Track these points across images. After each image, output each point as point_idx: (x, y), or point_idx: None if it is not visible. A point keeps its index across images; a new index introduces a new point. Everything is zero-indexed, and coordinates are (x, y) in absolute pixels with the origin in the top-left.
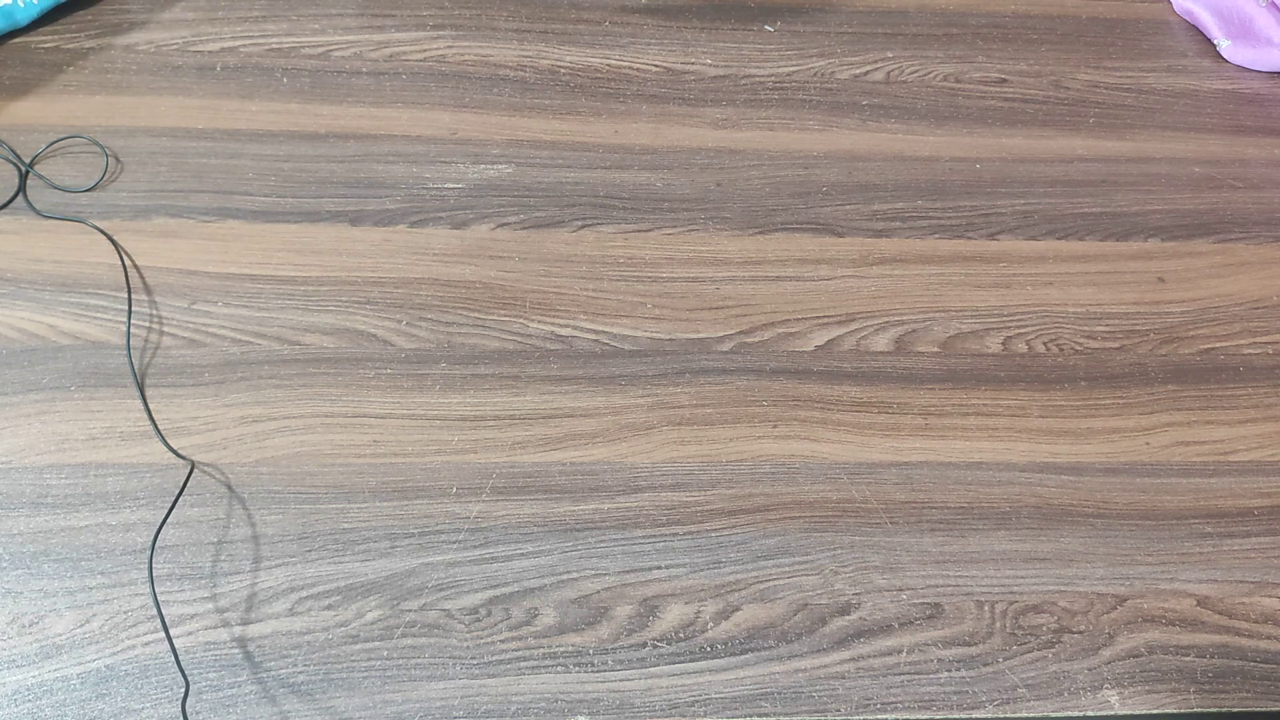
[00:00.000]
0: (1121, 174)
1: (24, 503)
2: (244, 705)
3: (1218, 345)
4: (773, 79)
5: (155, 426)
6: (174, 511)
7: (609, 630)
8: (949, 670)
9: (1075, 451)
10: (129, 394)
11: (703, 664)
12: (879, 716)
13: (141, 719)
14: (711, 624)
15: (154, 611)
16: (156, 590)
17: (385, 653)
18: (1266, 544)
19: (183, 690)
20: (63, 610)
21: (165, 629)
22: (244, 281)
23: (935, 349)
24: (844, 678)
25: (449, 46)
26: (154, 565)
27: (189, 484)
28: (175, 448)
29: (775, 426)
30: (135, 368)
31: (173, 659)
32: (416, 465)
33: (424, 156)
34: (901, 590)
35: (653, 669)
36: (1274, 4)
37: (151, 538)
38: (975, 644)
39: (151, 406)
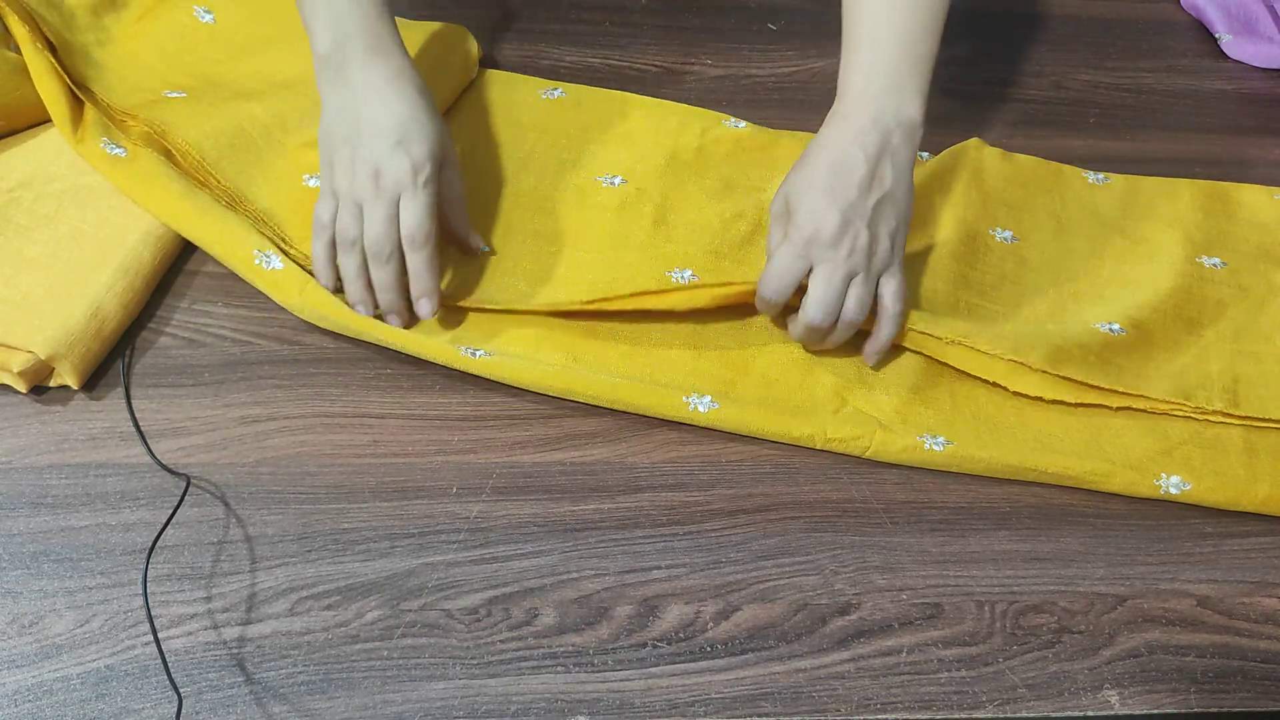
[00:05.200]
0: (1122, 174)
1: (24, 503)
2: (243, 705)
3: None
4: (773, 79)
5: (143, 439)
6: (173, 512)
7: (609, 630)
8: (949, 670)
9: None
10: None
11: (703, 664)
12: (879, 716)
13: (141, 719)
14: (711, 624)
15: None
16: (156, 590)
17: (385, 653)
18: (1266, 544)
19: (178, 702)
20: (62, 610)
21: (157, 642)
22: (244, 281)
23: None
24: (844, 678)
25: None
26: (154, 565)
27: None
28: (175, 448)
29: None
30: (127, 375)
31: (171, 667)
32: (416, 465)
33: None
34: (901, 590)
35: (653, 669)
36: (1274, 6)
37: (151, 541)
38: (975, 644)
39: (151, 407)
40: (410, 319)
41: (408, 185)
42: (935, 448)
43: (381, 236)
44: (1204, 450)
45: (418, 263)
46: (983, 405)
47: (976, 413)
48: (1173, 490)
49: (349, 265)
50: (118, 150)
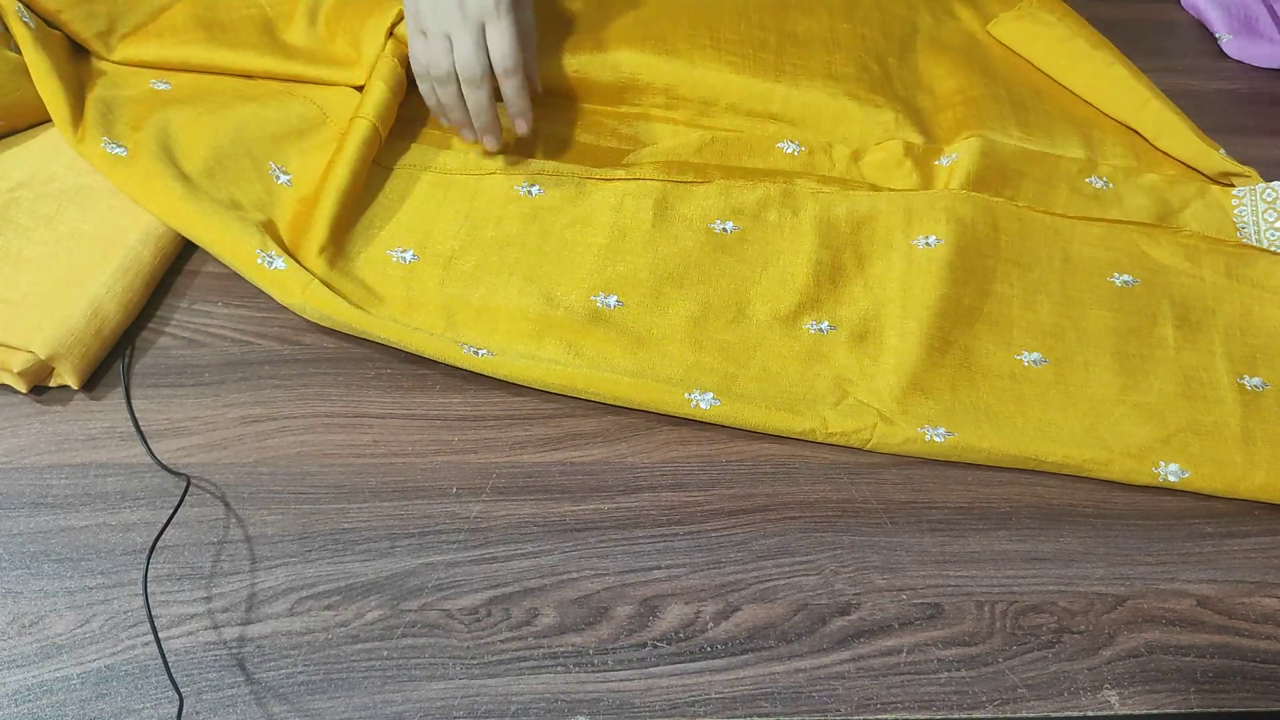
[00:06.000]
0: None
1: (24, 503)
2: (243, 706)
3: None
4: None
5: (143, 439)
6: (173, 512)
7: (609, 630)
8: (949, 670)
9: None
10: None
11: (703, 664)
12: (879, 716)
13: (141, 719)
14: (711, 624)
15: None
16: (156, 590)
17: (385, 653)
18: (1266, 544)
19: (179, 702)
20: (63, 610)
21: (158, 642)
22: (244, 281)
23: None
24: (844, 678)
25: None
26: (154, 565)
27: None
28: (175, 448)
29: None
30: (127, 375)
31: (172, 667)
32: (416, 465)
33: None
34: (901, 590)
35: (653, 669)
36: (1273, 6)
37: (151, 541)
38: (975, 644)
39: (151, 407)
40: (498, 141)
41: (490, 13)
42: (936, 439)
43: (472, 60)
44: (1201, 438)
45: (511, 89)
46: (983, 395)
47: (976, 403)
48: (1171, 478)
49: (447, 95)
50: (118, 150)
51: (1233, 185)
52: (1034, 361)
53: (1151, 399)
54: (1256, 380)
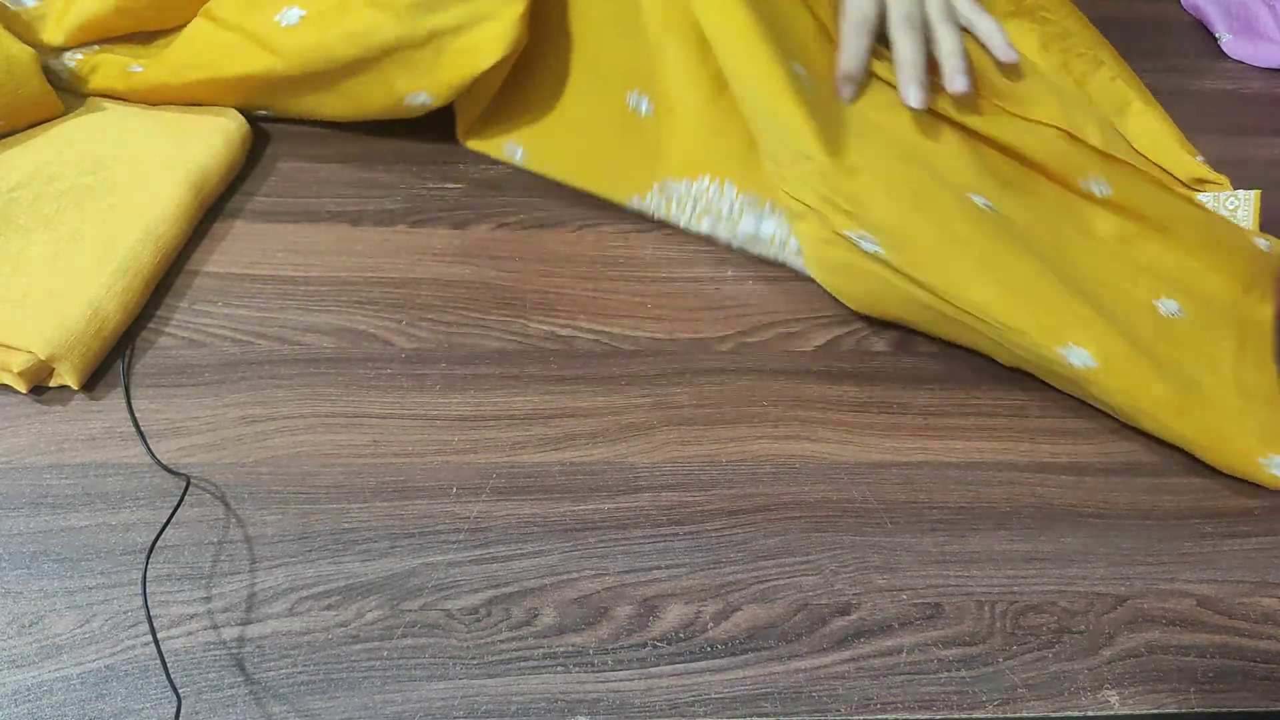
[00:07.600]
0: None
1: (24, 503)
2: (243, 706)
3: None
4: None
5: (143, 439)
6: (173, 512)
7: (609, 630)
8: (949, 670)
9: (1075, 451)
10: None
11: (703, 664)
12: (879, 716)
13: (141, 719)
14: (711, 624)
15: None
16: (156, 590)
17: (385, 653)
18: (1266, 544)
19: (176, 703)
20: (63, 610)
21: (156, 642)
22: (244, 281)
23: (935, 349)
24: (844, 678)
25: None
26: (154, 565)
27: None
28: (175, 448)
29: (775, 426)
30: (127, 375)
31: (171, 667)
32: (416, 465)
33: (424, 156)
34: (901, 590)
35: (653, 669)
36: (1274, 5)
37: (151, 541)
38: (975, 644)
39: (151, 407)
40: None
41: None
42: (865, 247)
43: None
44: (1119, 338)
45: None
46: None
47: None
48: (1076, 362)
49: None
50: None
51: (1200, 191)
52: (985, 205)
53: (1084, 276)
54: (1173, 305)
